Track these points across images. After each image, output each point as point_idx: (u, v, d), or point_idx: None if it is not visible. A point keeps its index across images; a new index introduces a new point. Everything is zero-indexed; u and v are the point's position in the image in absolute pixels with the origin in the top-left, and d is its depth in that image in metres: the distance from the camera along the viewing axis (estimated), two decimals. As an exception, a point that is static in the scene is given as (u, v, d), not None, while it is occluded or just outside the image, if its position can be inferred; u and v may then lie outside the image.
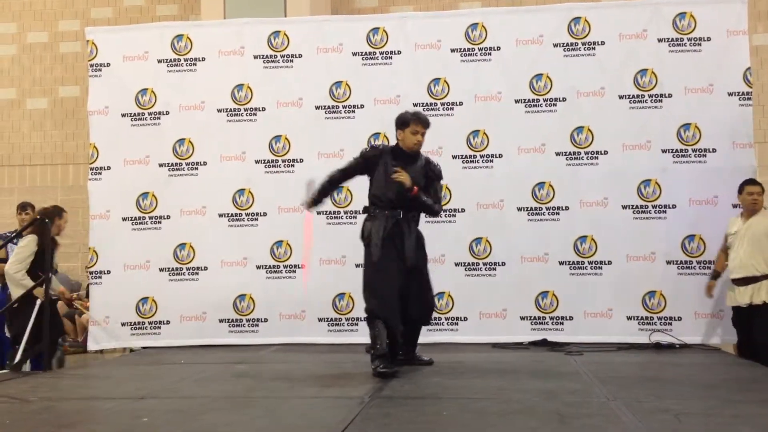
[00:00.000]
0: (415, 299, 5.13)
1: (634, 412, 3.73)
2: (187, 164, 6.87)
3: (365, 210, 5.18)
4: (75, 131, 11.14)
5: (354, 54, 6.84)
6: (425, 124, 5.15)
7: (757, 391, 4.52)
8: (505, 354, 5.99)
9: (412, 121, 5.12)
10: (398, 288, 4.99)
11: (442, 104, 6.72)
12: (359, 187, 6.62)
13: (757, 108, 8.05)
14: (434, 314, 5.47)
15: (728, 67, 6.44)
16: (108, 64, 6.98)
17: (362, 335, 6.59)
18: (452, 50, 6.75)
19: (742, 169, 6.33)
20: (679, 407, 3.84)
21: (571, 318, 6.49)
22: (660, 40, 6.55)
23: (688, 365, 5.35)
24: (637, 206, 6.48)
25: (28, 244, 6.03)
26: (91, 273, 6.84)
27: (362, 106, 6.79)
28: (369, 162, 5.19)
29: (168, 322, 6.77)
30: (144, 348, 6.80)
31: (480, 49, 6.74)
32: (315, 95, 6.83)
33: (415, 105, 6.65)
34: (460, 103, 6.70)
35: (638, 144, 6.51)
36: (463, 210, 6.63)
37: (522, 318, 6.50)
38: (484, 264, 6.58)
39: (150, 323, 6.78)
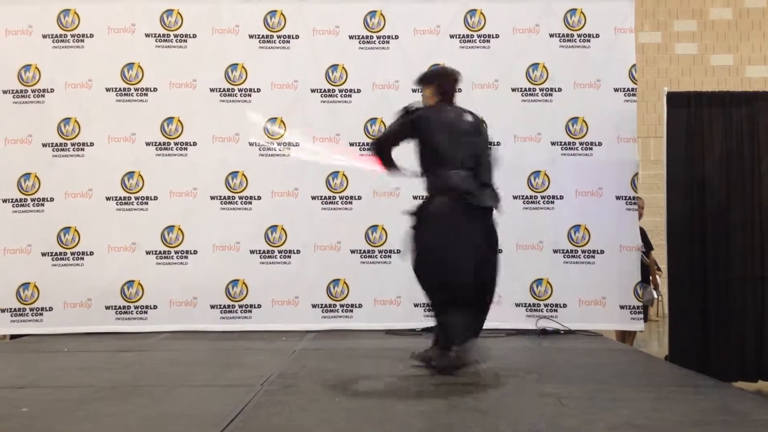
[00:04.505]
0: None
1: (520, 396, 3.86)
2: (72, 144, 6.58)
3: None
4: (-49, 107, 10.50)
5: (251, 36, 6.72)
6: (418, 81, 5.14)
7: (635, 375, 4.76)
8: (399, 340, 6.05)
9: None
10: None
11: (340, 91, 6.71)
12: (253, 174, 6.61)
13: (641, 104, 8.40)
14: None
15: (615, 64, 6.68)
16: (-12, 38, 6.60)
17: (255, 323, 6.57)
18: (351, 37, 6.73)
19: (625, 162, 6.61)
20: (562, 391, 3.99)
21: (462, 305, 6.60)
22: (552, 35, 6.73)
23: (571, 350, 5.55)
24: (527, 196, 6.65)
25: None
26: (-32, 257, 6.47)
27: (259, 90, 6.67)
28: None
29: (51, 309, 6.49)
30: (26, 336, 6.50)
31: (378, 37, 6.75)
32: (210, 77, 6.66)
33: (313, 91, 6.66)
34: (358, 91, 6.70)
35: (529, 136, 6.69)
36: (359, 197, 6.63)
37: (416, 305, 6.56)
38: (380, 251, 6.62)
39: (31, 310, 6.48)
